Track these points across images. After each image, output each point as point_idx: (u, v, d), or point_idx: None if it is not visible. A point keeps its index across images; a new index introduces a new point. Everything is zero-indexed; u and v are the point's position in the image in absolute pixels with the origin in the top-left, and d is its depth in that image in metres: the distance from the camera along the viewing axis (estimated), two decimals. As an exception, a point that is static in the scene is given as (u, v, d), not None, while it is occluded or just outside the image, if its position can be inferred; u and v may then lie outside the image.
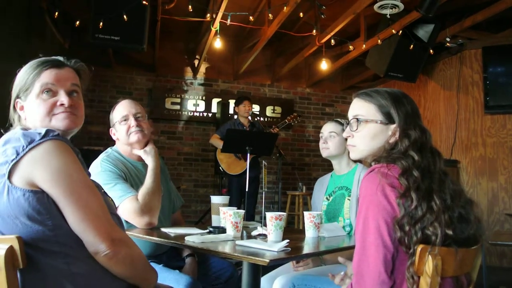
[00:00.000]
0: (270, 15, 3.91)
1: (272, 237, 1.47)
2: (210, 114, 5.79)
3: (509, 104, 4.54)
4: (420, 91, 5.41)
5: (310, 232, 1.63)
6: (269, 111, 6.07)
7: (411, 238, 1.02)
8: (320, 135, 2.06)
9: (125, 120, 1.86)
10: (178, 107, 5.71)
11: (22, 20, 3.43)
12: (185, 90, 5.78)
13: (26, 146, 0.97)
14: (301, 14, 4.32)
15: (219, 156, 4.57)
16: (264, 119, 5.96)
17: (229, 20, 3.90)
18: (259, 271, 1.35)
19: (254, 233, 1.64)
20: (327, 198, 2.05)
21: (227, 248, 1.35)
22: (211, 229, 1.66)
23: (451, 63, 5.06)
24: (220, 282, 1.91)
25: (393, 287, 1.03)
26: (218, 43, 4.41)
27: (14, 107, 1.15)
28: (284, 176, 5.49)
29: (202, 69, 5.84)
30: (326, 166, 5.91)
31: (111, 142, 1.96)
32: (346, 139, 1.29)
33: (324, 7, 4.02)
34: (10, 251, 0.91)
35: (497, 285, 3.33)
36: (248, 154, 3.76)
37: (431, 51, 4.47)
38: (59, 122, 1.12)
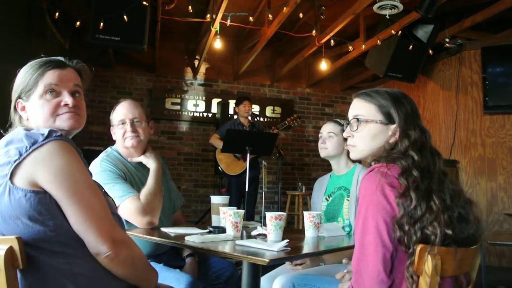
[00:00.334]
0: (270, 15, 3.91)
1: (272, 237, 1.47)
2: (210, 114, 5.80)
3: (508, 104, 4.54)
4: (420, 91, 5.42)
5: (309, 232, 1.63)
6: (269, 111, 6.07)
7: (410, 238, 1.02)
8: (319, 135, 2.07)
9: (122, 123, 1.86)
10: (178, 107, 5.71)
11: (22, 20, 3.43)
12: (185, 90, 5.78)
13: (29, 147, 0.97)
14: (300, 15, 4.33)
15: (219, 156, 4.57)
16: (264, 119, 5.96)
17: (229, 21, 3.91)
18: (259, 270, 1.35)
19: (254, 233, 1.65)
20: (326, 198, 2.05)
21: (227, 248, 1.35)
22: (211, 229, 1.66)
23: (450, 63, 5.07)
24: (220, 282, 1.91)
25: (392, 287, 1.04)
26: (218, 44, 4.42)
27: (15, 107, 1.15)
28: (284, 176, 5.49)
29: (202, 69, 5.85)
30: (326, 166, 5.91)
31: (112, 142, 1.96)
32: (345, 140, 1.30)
33: (323, 7, 4.02)
34: (10, 251, 0.91)
35: (496, 285, 3.33)
36: (248, 154, 3.77)
37: (430, 51, 4.48)
38: (63, 122, 1.12)
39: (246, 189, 3.71)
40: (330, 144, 1.99)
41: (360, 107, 1.23)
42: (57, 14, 3.81)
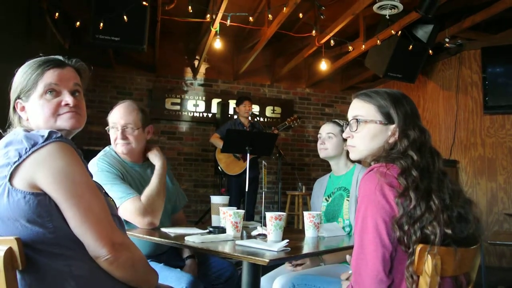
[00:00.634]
0: (269, 15, 3.91)
1: (272, 237, 1.47)
2: (210, 115, 5.80)
3: (508, 104, 4.54)
4: (420, 91, 5.42)
5: (309, 232, 1.63)
6: (268, 111, 6.07)
7: (410, 238, 1.02)
8: (318, 135, 2.07)
9: (113, 128, 1.84)
10: (178, 107, 5.71)
11: (22, 20, 3.43)
12: (185, 90, 5.78)
13: (29, 149, 0.97)
14: (300, 15, 4.33)
15: (218, 155, 4.57)
16: (264, 119, 5.97)
17: (229, 21, 3.91)
18: (259, 271, 1.35)
19: (254, 233, 1.65)
20: (326, 199, 2.05)
21: (227, 248, 1.35)
22: (211, 229, 1.66)
23: (450, 63, 5.07)
24: (220, 282, 1.91)
25: (392, 286, 1.04)
26: (218, 44, 4.42)
27: (14, 108, 1.13)
28: (283, 176, 5.49)
29: (202, 69, 5.85)
30: (326, 166, 5.91)
31: (111, 142, 1.96)
32: (344, 140, 1.30)
33: (323, 7, 4.02)
34: (9, 252, 0.91)
35: (496, 285, 3.33)
36: (248, 154, 3.77)
37: (430, 51, 4.48)
38: (64, 122, 1.11)
39: (246, 189, 3.71)
40: (329, 144, 1.99)
41: (360, 108, 1.24)
42: (57, 14, 3.81)
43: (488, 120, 4.73)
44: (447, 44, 4.59)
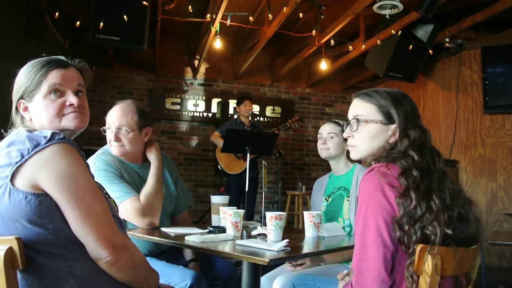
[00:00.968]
0: (270, 15, 3.91)
1: (272, 237, 1.47)
2: (210, 114, 5.80)
3: (508, 104, 4.54)
4: (420, 91, 5.42)
5: (309, 232, 1.63)
6: (268, 111, 6.07)
7: (410, 238, 1.02)
8: (319, 136, 2.05)
9: (109, 129, 1.82)
10: (178, 107, 5.71)
11: (22, 20, 3.43)
12: (185, 90, 5.78)
13: (32, 150, 0.97)
14: (300, 15, 4.32)
15: (219, 154, 4.57)
16: (264, 119, 5.96)
17: (229, 21, 3.91)
18: (259, 270, 1.35)
19: (254, 232, 1.65)
20: (326, 199, 2.05)
21: (227, 248, 1.35)
22: (211, 228, 1.66)
23: (450, 63, 5.07)
24: (220, 282, 1.91)
25: (392, 286, 1.04)
26: (218, 43, 4.41)
27: (16, 108, 1.13)
28: (283, 176, 5.49)
29: (202, 69, 5.85)
30: (326, 166, 5.90)
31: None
32: (345, 140, 1.29)
33: (323, 7, 4.02)
34: (10, 252, 0.91)
35: (496, 285, 3.33)
36: (248, 154, 3.77)
37: (430, 51, 4.48)
38: (69, 122, 1.11)
39: (246, 189, 3.71)
40: (331, 144, 1.99)
41: (360, 107, 1.23)
42: (57, 14, 3.81)
43: (488, 120, 4.73)
44: (447, 44, 4.59)
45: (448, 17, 4.46)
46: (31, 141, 0.98)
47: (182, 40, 5.68)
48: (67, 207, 0.98)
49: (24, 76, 1.11)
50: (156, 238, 1.54)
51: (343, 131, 1.36)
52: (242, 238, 1.54)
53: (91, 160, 1.77)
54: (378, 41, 4.22)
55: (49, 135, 0.99)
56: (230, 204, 1.99)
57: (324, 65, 5.12)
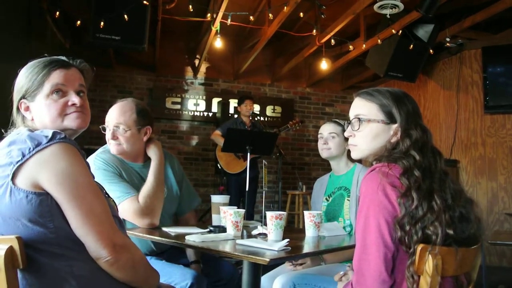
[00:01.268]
0: (270, 15, 3.91)
1: (272, 236, 1.47)
2: (210, 114, 5.80)
3: (508, 104, 4.54)
4: (420, 91, 5.42)
5: (310, 232, 1.63)
6: (269, 110, 6.07)
7: (411, 238, 1.02)
8: (319, 136, 2.05)
9: (107, 127, 1.82)
10: (178, 106, 5.71)
11: (22, 20, 3.43)
12: (185, 89, 5.78)
13: (33, 149, 0.97)
14: (301, 14, 4.32)
15: (219, 153, 4.57)
16: (264, 118, 5.96)
17: (229, 20, 3.91)
18: (259, 270, 1.35)
19: (254, 232, 1.64)
20: (326, 199, 2.05)
21: (227, 247, 1.35)
22: (211, 228, 1.66)
23: (450, 63, 5.07)
24: (222, 283, 1.90)
25: (393, 286, 1.04)
26: (218, 43, 4.41)
27: (17, 107, 1.13)
28: (284, 176, 5.49)
29: (203, 68, 5.85)
30: (326, 166, 5.91)
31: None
32: (346, 140, 1.29)
33: (324, 7, 4.02)
34: (10, 251, 0.91)
35: (496, 285, 3.33)
36: (249, 154, 3.77)
37: (431, 51, 4.48)
38: (71, 122, 1.12)
39: (246, 189, 3.71)
40: (332, 144, 1.98)
41: (362, 106, 1.23)
42: (57, 13, 3.80)
43: (488, 119, 4.73)
44: (447, 44, 4.59)
45: (448, 17, 4.46)
46: (32, 141, 0.98)
47: (182, 40, 5.68)
48: (68, 207, 0.98)
49: (26, 76, 1.12)
50: (157, 238, 1.54)
51: (344, 131, 1.35)
52: (242, 237, 1.54)
53: (91, 159, 1.76)
54: (379, 40, 4.21)
55: (50, 135, 1.00)
56: (230, 203, 1.99)
57: (324, 65, 5.12)
